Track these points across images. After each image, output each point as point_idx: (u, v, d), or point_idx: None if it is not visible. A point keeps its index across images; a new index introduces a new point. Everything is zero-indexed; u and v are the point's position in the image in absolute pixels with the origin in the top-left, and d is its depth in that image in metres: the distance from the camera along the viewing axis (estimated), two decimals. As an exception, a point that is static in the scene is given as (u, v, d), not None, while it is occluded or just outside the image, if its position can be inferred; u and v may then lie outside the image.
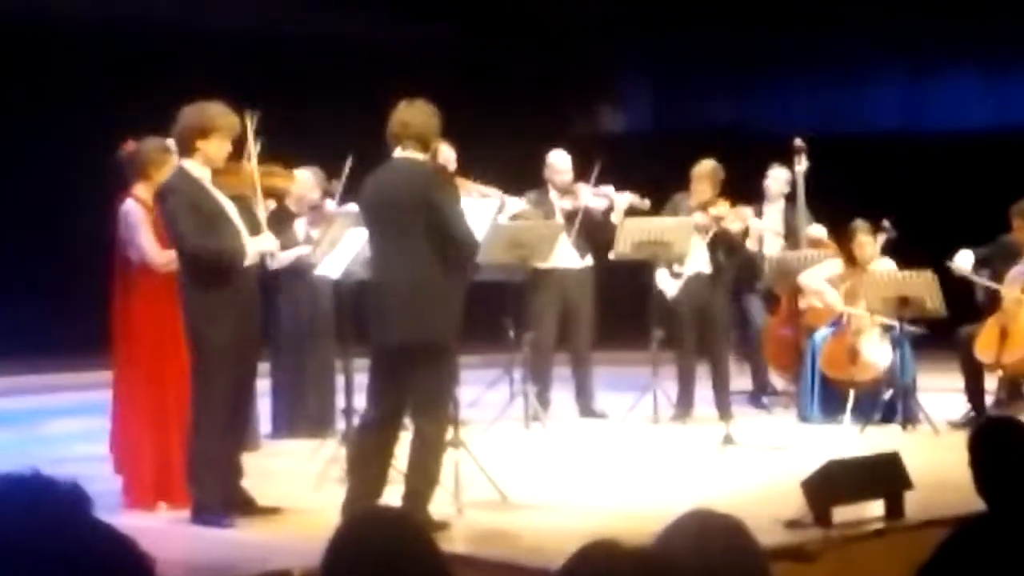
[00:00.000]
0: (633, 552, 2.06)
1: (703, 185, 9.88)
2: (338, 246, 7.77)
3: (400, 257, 6.40)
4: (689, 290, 9.83)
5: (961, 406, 9.44)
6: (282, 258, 8.48)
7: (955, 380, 9.63)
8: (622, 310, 10.31)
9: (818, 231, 10.60)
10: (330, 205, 8.93)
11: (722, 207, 9.78)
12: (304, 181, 8.94)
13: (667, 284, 9.74)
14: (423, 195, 6.38)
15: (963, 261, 9.47)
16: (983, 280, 9.47)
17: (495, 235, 8.75)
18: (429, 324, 6.34)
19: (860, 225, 9.85)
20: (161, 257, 7.04)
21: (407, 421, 6.78)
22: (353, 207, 8.31)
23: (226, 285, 6.60)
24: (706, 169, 9.92)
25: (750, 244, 10.07)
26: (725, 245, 9.84)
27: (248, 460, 7.26)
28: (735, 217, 9.77)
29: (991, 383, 9.59)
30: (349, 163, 8.43)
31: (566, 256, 9.82)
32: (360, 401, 7.04)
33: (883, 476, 6.50)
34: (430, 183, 6.46)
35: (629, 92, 16.68)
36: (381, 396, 6.48)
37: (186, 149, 6.73)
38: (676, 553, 2.27)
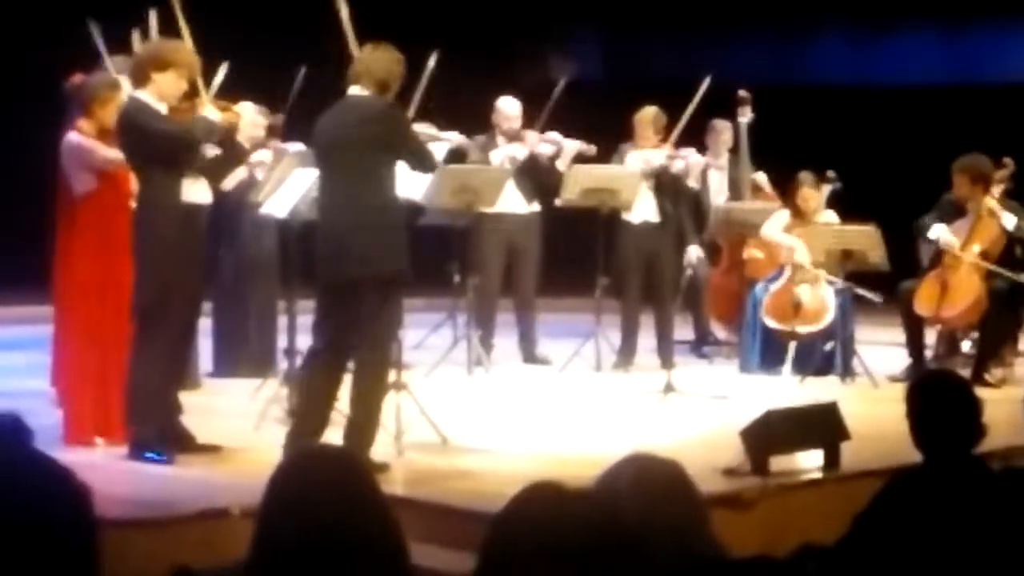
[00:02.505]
0: (574, 493, 2.08)
1: (646, 131, 9.89)
2: (285, 185, 7.73)
3: (351, 193, 6.41)
4: (636, 238, 9.85)
5: (901, 360, 9.53)
6: (236, 175, 8.48)
7: (896, 334, 9.72)
8: (567, 256, 10.31)
9: (760, 179, 10.65)
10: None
11: (667, 151, 9.78)
12: (248, 111, 8.88)
13: None
14: (378, 129, 6.40)
15: (942, 232, 9.43)
16: (935, 235, 9.41)
17: (442, 179, 8.74)
18: (379, 258, 6.37)
19: (805, 178, 9.90)
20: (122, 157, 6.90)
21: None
22: (299, 146, 8.28)
23: (182, 223, 6.58)
24: (648, 115, 9.93)
25: (693, 183, 10.07)
26: (670, 189, 9.85)
27: (189, 399, 7.25)
28: (677, 155, 9.80)
29: (931, 337, 9.68)
30: (300, 78, 8.31)
31: (513, 201, 9.82)
32: (303, 342, 7.03)
33: (821, 427, 6.56)
34: (385, 117, 6.47)
35: (578, 40, 16.63)
36: (328, 330, 6.48)
37: (140, 79, 6.65)
38: (616, 496, 2.29)
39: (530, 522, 2.04)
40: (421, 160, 6.63)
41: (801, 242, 9.73)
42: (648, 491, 2.35)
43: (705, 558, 2.40)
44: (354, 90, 6.52)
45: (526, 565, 2.01)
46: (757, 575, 2.47)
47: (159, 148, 6.56)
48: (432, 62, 8.26)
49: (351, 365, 6.49)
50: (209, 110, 6.77)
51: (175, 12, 6.94)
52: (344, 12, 6.98)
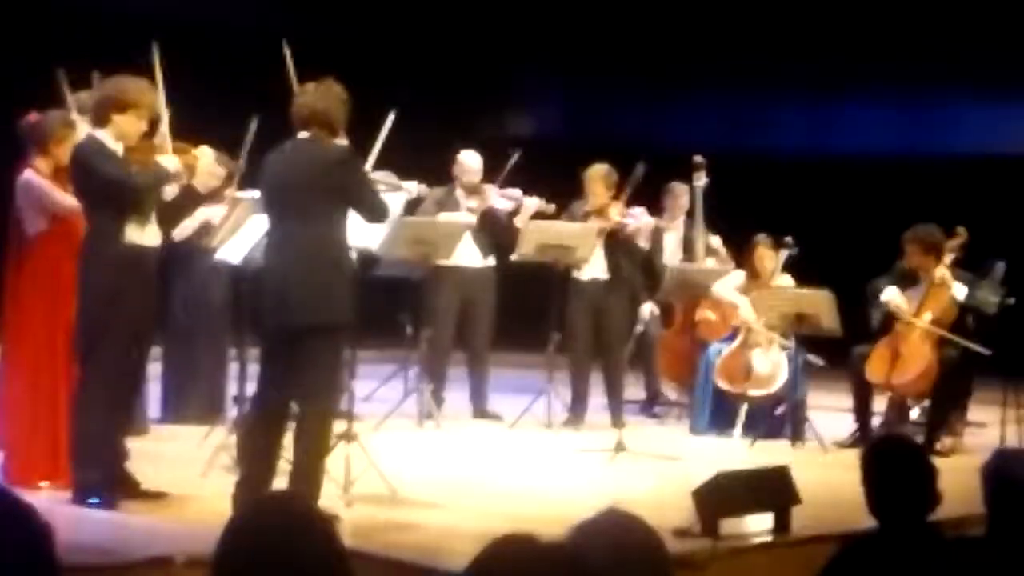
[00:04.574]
0: (547, 547, 2.04)
1: (597, 188, 9.91)
2: (239, 231, 7.68)
3: (300, 238, 6.32)
4: (585, 294, 9.85)
5: (848, 425, 9.55)
6: (185, 228, 8.42)
7: (844, 399, 9.75)
8: (521, 312, 10.29)
9: (715, 242, 10.70)
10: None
11: (616, 209, 9.81)
12: (207, 157, 8.84)
13: None
14: (331, 173, 6.31)
15: (893, 295, 9.48)
16: (887, 299, 9.47)
17: (399, 230, 8.72)
18: (326, 306, 6.28)
19: (762, 239, 9.96)
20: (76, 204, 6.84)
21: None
22: (255, 194, 8.23)
23: (126, 266, 6.50)
24: (598, 172, 9.96)
25: (643, 243, 10.10)
26: (622, 247, 9.87)
27: (135, 444, 7.16)
28: (628, 214, 9.83)
29: (880, 404, 9.70)
30: (253, 127, 8.31)
31: (468, 255, 9.81)
32: (253, 389, 6.96)
33: (772, 490, 6.55)
34: (337, 161, 6.38)
35: (539, 97, 16.70)
36: (272, 378, 6.39)
37: (100, 119, 6.60)
38: (590, 550, 2.26)
39: (503, 574, 2.00)
40: (374, 210, 6.48)
41: (747, 300, 9.77)
42: (625, 548, 2.31)
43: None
44: (303, 134, 6.45)
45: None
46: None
47: (101, 190, 6.51)
48: (390, 120, 8.26)
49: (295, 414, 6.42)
50: (167, 158, 6.72)
51: (152, 59, 6.89)
52: (287, 56, 6.94)
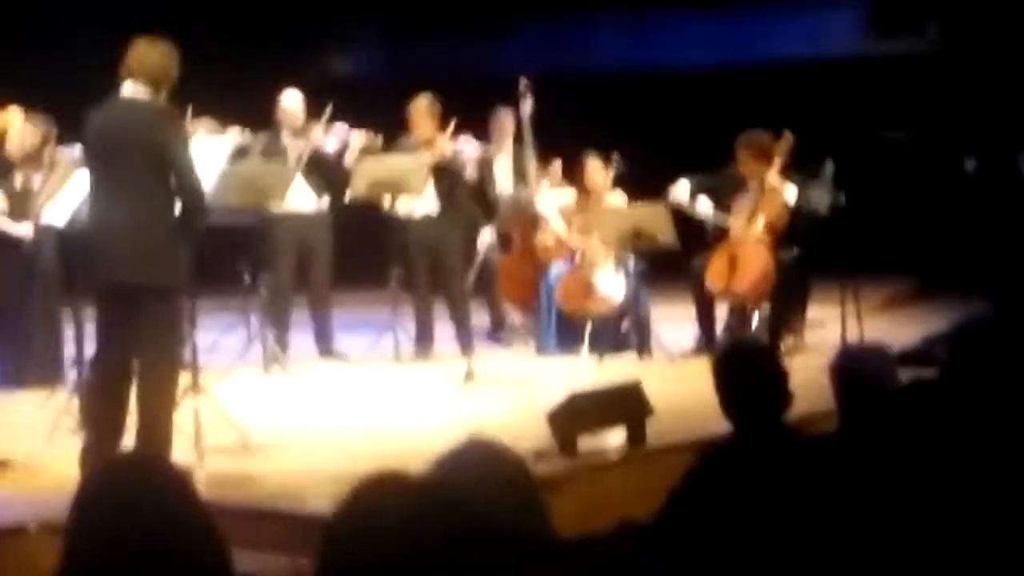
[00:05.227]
0: (417, 484, 2.01)
1: (422, 120, 9.85)
2: (62, 192, 7.49)
3: (126, 197, 6.18)
4: (419, 230, 9.81)
5: (693, 335, 9.67)
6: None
7: (688, 310, 9.86)
8: (360, 250, 10.21)
9: (555, 166, 10.72)
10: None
11: (444, 140, 9.77)
12: (17, 122, 8.61)
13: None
14: (152, 135, 6.19)
15: (681, 191, 9.64)
16: (704, 213, 9.63)
17: (228, 178, 8.54)
18: (156, 265, 6.15)
19: (590, 155, 10.02)
20: None
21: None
22: (75, 150, 8.02)
23: None
24: (422, 104, 9.89)
25: (471, 173, 10.06)
26: (453, 179, 9.84)
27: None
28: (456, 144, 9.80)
29: (722, 312, 9.84)
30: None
31: (301, 198, 9.68)
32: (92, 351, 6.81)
33: (625, 404, 6.61)
34: (159, 123, 6.27)
35: (359, 37, 16.51)
36: (111, 340, 6.26)
37: None
38: (456, 482, 2.23)
39: (374, 517, 1.96)
40: (187, 180, 6.20)
41: (561, 217, 9.85)
42: (491, 476, 2.29)
43: (545, 542, 2.37)
44: (127, 88, 6.30)
45: (373, 563, 1.94)
46: (587, 556, 2.44)
47: None
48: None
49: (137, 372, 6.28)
50: None
51: None
52: None
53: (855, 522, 3.30)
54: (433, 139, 9.78)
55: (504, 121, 10.69)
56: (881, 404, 3.68)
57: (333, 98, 9.86)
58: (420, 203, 9.76)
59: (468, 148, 9.97)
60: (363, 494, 2.01)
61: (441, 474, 2.30)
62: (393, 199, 9.65)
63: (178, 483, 2.33)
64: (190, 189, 6.25)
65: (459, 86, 9.86)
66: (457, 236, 10.00)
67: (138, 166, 6.16)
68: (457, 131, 9.88)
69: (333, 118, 9.81)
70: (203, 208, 6.41)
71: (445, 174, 9.80)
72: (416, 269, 9.86)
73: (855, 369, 4.16)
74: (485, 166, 10.41)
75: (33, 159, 8.79)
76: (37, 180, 8.50)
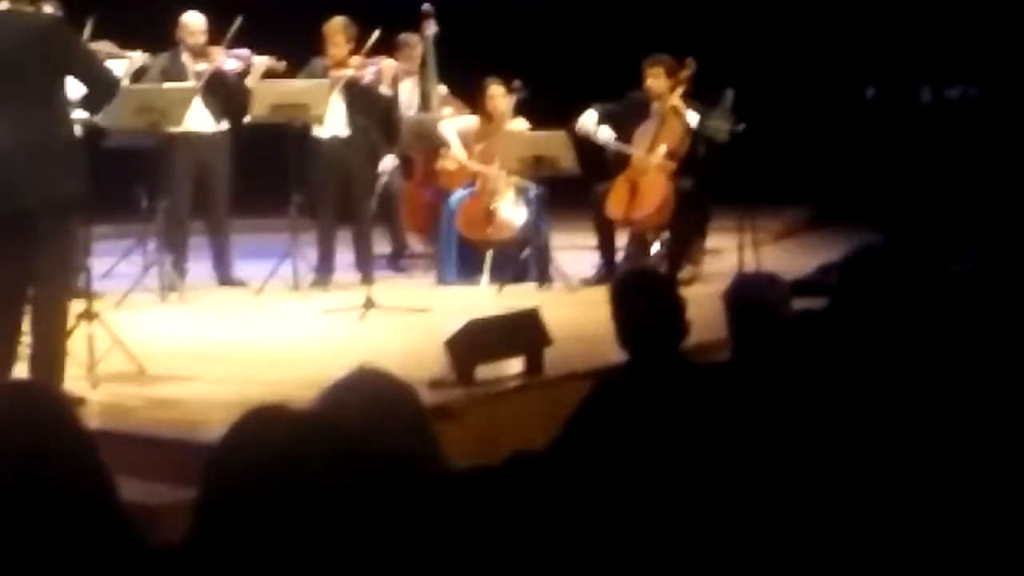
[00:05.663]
0: (299, 415, 1.99)
1: (337, 39, 9.74)
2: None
3: (18, 115, 5.97)
4: (327, 154, 9.72)
5: (593, 263, 9.70)
6: None
7: (587, 238, 9.88)
8: (260, 175, 10.09)
9: (443, 90, 10.67)
10: None
11: (357, 59, 9.67)
12: None
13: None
14: (45, 45, 5.99)
15: (587, 120, 9.65)
16: (606, 141, 9.66)
17: (124, 99, 8.39)
18: (56, 185, 5.97)
19: (492, 81, 9.97)
20: None
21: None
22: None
23: None
24: (337, 24, 9.78)
25: (386, 90, 9.95)
26: (362, 100, 9.75)
27: None
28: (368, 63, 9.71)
29: (622, 240, 9.87)
30: None
31: (200, 120, 9.54)
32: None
33: (523, 333, 6.61)
34: (51, 31, 6.10)
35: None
36: (3, 267, 6.11)
37: None
38: (341, 413, 2.22)
39: (256, 447, 1.95)
40: (100, 80, 6.23)
41: (459, 142, 9.87)
42: (378, 406, 2.28)
43: (434, 473, 2.36)
44: (3, 4, 6.08)
45: (254, 493, 1.92)
46: (478, 486, 2.44)
47: None
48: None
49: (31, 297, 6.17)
50: None
51: None
52: None
53: (747, 449, 3.33)
54: (345, 60, 9.68)
55: (412, 45, 10.62)
56: (772, 332, 3.71)
57: (235, 17, 9.71)
58: (328, 125, 9.66)
59: (384, 63, 9.87)
60: (245, 424, 1.99)
61: (328, 402, 2.29)
62: (296, 123, 9.54)
63: (60, 410, 2.30)
64: (99, 76, 6.22)
65: (363, 10, 9.72)
66: (363, 160, 9.92)
67: (29, 81, 5.95)
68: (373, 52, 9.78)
69: (238, 40, 9.66)
70: (114, 96, 6.48)
71: (356, 94, 9.70)
72: (323, 194, 9.77)
73: (748, 297, 4.18)
74: (396, 86, 10.32)
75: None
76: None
